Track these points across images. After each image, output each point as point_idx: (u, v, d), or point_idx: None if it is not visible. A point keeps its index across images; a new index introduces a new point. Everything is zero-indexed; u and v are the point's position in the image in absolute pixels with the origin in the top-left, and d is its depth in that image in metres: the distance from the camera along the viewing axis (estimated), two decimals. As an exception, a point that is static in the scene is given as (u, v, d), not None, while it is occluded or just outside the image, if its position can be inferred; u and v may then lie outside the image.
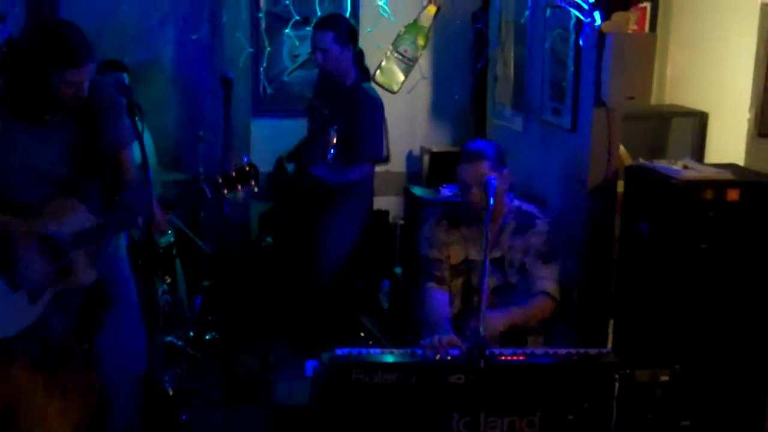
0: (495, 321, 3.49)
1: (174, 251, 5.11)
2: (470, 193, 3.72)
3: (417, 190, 5.86)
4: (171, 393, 4.43)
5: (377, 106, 4.82)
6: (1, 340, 3.31)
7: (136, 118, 3.20)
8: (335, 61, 4.73)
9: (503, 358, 3.03)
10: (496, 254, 3.81)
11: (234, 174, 3.28)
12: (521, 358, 3.06)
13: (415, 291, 3.94)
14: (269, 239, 5.61)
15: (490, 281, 3.75)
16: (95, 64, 3.22)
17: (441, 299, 3.76)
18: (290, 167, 5.12)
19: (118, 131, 3.37)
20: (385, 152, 4.87)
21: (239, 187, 3.29)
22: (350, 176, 4.76)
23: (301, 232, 5.04)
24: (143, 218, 3.20)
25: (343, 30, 4.74)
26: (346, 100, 4.78)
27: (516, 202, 3.92)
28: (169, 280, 5.00)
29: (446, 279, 3.85)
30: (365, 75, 5.00)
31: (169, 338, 4.93)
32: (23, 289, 3.28)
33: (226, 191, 3.29)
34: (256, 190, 3.33)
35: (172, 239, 5.05)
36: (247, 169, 3.28)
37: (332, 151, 4.56)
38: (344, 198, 4.81)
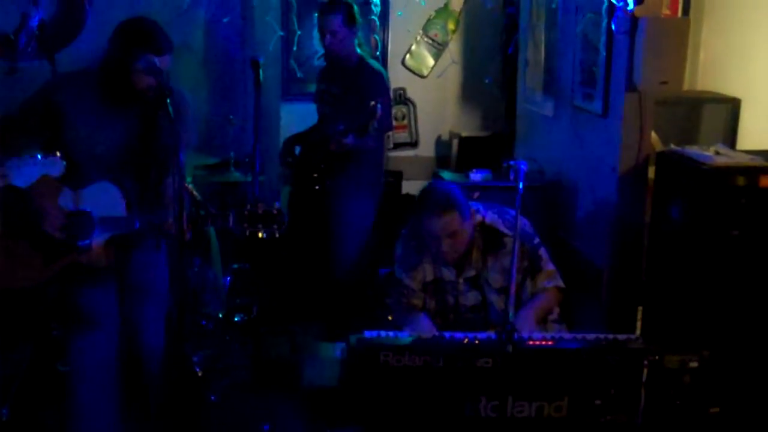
0: (529, 322, 3.44)
1: (212, 232, 5.14)
2: (441, 245, 3.52)
3: (446, 175, 5.86)
4: (200, 374, 4.46)
5: (384, 79, 4.98)
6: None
7: (168, 101, 3.24)
8: (342, 42, 4.87)
9: (531, 342, 3.02)
10: (470, 273, 3.65)
11: (261, 213, 3.31)
12: (549, 343, 3.05)
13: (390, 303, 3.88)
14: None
15: (467, 299, 3.69)
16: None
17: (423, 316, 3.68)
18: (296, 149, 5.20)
19: (182, 134, 3.43)
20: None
21: (261, 227, 3.33)
22: (368, 142, 4.84)
23: (314, 213, 5.13)
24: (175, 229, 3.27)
25: (349, 13, 4.88)
26: (354, 77, 4.89)
27: (479, 215, 3.64)
28: (199, 261, 5.02)
29: (420, 305, 3.73)
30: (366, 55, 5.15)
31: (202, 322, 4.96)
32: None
33: (246, 227, 3.32)
34: (277, 235, 3.34)
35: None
36: (275, 213, 3.32)
37: (376, 124, 4.61)
38: (358, 171, 4.92)
